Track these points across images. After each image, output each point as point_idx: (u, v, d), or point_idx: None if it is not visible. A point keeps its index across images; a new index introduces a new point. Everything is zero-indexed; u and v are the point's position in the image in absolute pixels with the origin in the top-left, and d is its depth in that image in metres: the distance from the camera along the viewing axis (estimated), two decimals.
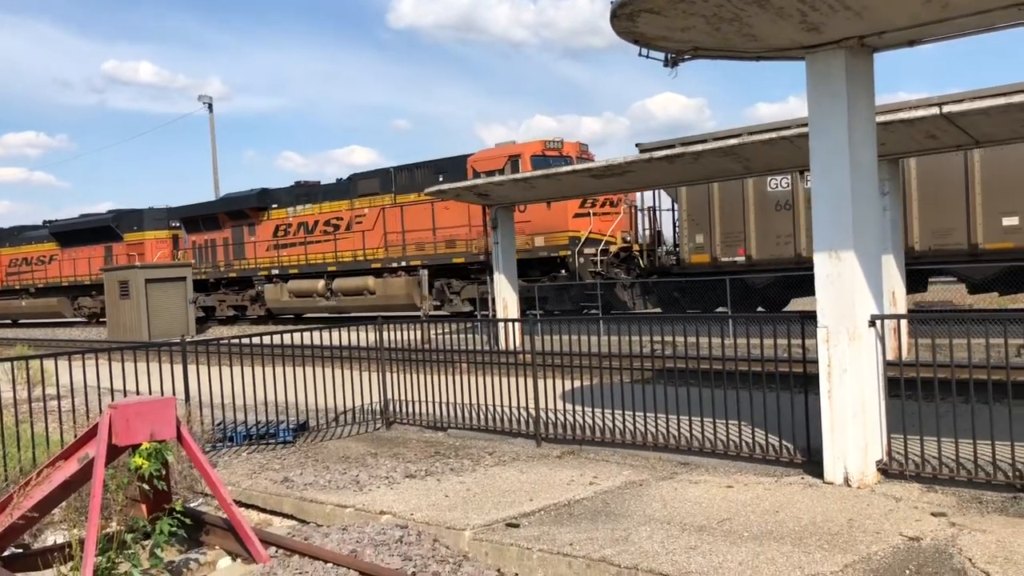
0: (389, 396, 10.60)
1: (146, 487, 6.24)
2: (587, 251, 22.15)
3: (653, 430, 8.28)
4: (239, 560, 6.31)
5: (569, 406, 9.16)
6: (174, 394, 8.76)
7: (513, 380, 9.31)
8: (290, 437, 9.83)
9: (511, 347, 15.37)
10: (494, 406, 9.56)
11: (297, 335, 10.89)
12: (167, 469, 6.45)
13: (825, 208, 6.92)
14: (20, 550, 6.73)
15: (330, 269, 27.55)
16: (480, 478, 7.73)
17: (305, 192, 29.84)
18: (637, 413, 8.47)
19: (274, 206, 30.30)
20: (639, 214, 22.86)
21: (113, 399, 8.01)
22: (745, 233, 19.44)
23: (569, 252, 22.19)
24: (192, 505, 7.62)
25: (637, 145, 20.64)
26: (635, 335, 9.17)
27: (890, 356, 8.83)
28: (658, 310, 21.62)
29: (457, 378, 9.94)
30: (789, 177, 18.62)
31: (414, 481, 7.76)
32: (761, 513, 6.21)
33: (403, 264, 25.50)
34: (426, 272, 23.66)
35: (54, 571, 5.99)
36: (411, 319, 20.74)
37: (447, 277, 24.89)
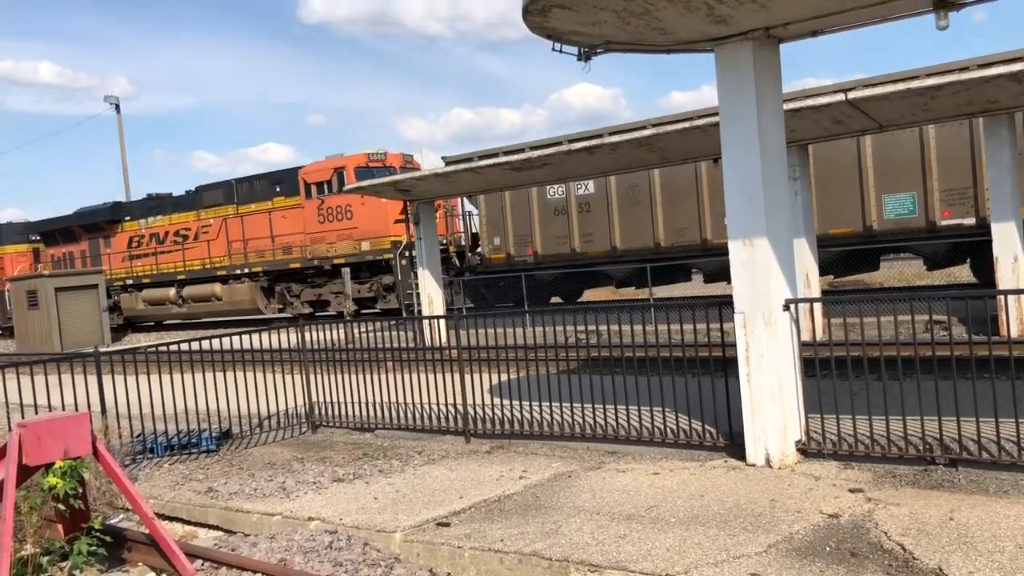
0: (314, 399, 10.45)
1: (62, 507, 6.04)
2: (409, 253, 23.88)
3: (580, 421, 8.36)
4: (165, 575, 6.16)
5: (498, 400, 9.19)
6: (89, 407, 8.47)
7: (440, 376, 9.28)
8: (213, 446, 9.61)
9: (438, 343, 15.33)
10: (422, 404, 9.52)
11: (218, 340, 10.65)
12: (83, 487, 6.24)
13: (737, 195, 7.07)
14: None
15: (180, 278, 29.13)
16: (409, 478, 7.69)
17: (156, 204, 30.97)
18: (565, 404, 8.54)
19: (127, 218, 31.60)
20: (457, 219, 25.16)
21: (23, 416, 7.71)
22: (532, 234, 22.27)
23: (392, 255, 23.86)
24: (112, 521, 7.39)
25: (443, 158, 22.48)
26: (559, 325, 9.24)
27: (805, 337, 9.10)
28: (471, 305, 23.37)
29: (383, 377, 9.86)
30: (564, 187, 21.29)
31: (342, 485, 7.67)
32: (687, 498, 6.33)
33: (246, 271, 27.41)
34: (348, 271, 23.54)
35: None
36: (330, 319, 20.68)
37: (287, 282, 26.75)
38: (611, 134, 14.88)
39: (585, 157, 14.42)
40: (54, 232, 34.47)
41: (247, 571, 5.73)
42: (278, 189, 26.45)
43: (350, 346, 12.20)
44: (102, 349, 10.78)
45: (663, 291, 22.84)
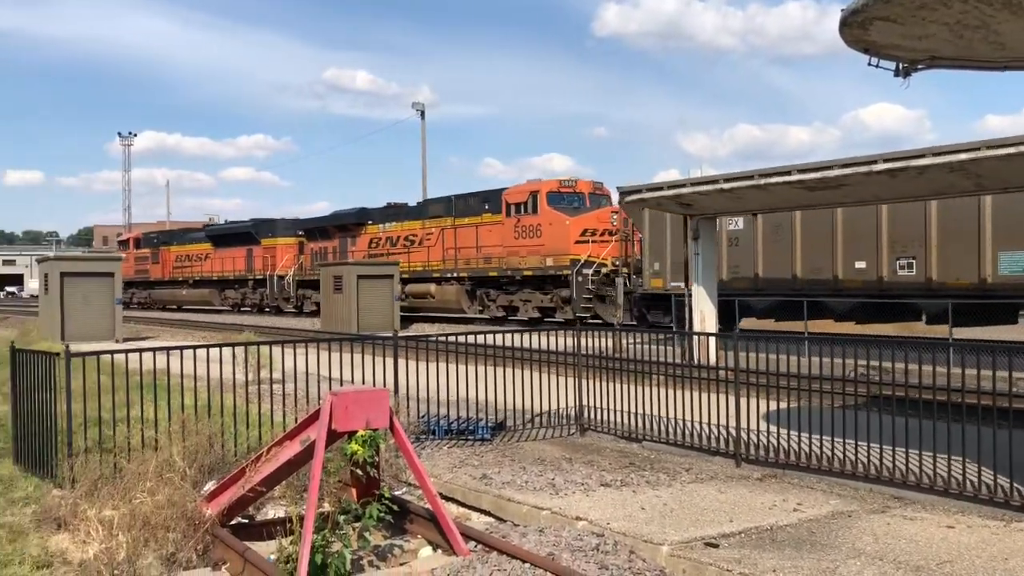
0: (584, 402, 10.65)
1: (359, 472, 6.59)
2: (585, 271, 26.66)
3: (864, 459, 7.83)
4: (439, 551, 6.55)
5: (772, 427, 8.84)
6: (384, 385, 9.24)
7: (711, 396, 9.10)
8: (488, 435, 10.09)
9: (707, 361, 15.03)
10: (691, 422, 9.39)
11: (498, 336, 11.17)
12: (378, 457, 6.79)
13: None
14: (246, 520, 7.30)
15: (404, 276, 32.75)
16: (677, 493, 7.61)
17: (393, 212, 36.09)
18: (847, 440, 8.04)
19: (369, 222, 36.71)
20: (630, 243, 26.34)
21: (331, 387, 8.55)
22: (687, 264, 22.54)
23: (570, 272, 26.89)
24: (396, 493, 7.98)
25: (617, 188, 22.77)
26: (838, 357, 8.73)
27: None
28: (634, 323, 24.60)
29: (653, 390, 9.84)
30: (719, 221, 20.56)
31: (609, 490, 7.75)
32: (988, 559, 5.72)
33: (455, 275, 31.31)
34: (621, 280, 24.02)
35: (276, 543, 6.45)
36: (600, 327, 21.10)
37: (486, 287, 30.37)
38: (917, 157, 13.82)
39: (886, 180, 13.50)
40: (314, 230, 40.45)
41: (516, 559, 5.94)
42: (486, 206, 30.18)
43: (619, 355, 12.31)
44: (388, 335, 11.67)
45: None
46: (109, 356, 8.30)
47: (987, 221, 17.32)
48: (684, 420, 9.45)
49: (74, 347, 8.36)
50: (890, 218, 19.01)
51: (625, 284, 25.56)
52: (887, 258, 19.18)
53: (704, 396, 9.23)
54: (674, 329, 20.72)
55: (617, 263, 26.32)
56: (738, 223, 21.94)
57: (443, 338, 10.71)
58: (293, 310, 40.70)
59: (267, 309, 42.82)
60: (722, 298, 20.44)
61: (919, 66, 7.11)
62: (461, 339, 10.91)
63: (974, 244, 17.51)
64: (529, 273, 28.66)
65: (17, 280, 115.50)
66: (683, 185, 17.06)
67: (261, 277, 43.40)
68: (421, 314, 32.85)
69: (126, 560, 6.27)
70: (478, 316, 30.61)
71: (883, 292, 19.21)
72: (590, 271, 26.64)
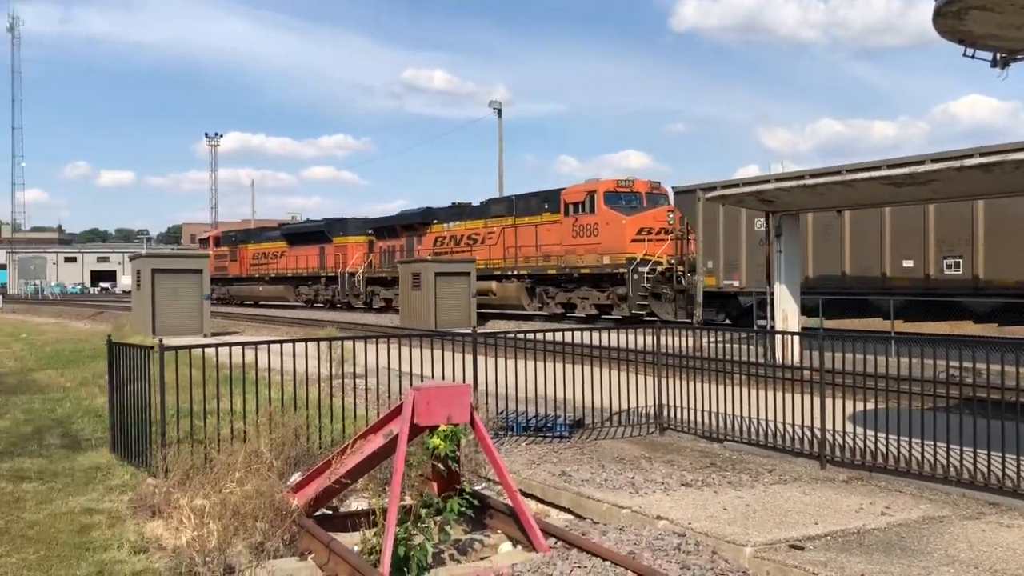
0: (663, 401, 10.56)
1: (440, 467, 6.67)
2: (641, 269, 27.16)
3: (956, 463, 7.57)
4: (519, 547, 6.58)
5: (858, 429, 8.62)
6: (464, 381, 9.32)
7: (794, 396, 8.92)
8: (566, 432, 10.09)
9: (789, 360, 14.72)
10: (774, 422, 9.22)
11: (576, 334, 11.16)
12: (459, 451, 6.85)
13: None
14: (330, 512, 7.46)
15: None
16: (760, 495, 7.49)
17: (456, 212, 37.20)
18: (938, 443, 7.79)
19: (435, 222, 37.89)
20: (684, 242, 26.34)
21: (411, 382, 8.67)
22: (739, 262, 22.99)
23: (626, 270, 27.39)
24: (475, 489, 8.04)
25: (672, 188, 25.40)
26: (928, 359, 8.45)
27: None
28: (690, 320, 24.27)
29: (733, 389, 9.69)
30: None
31: (690, 490, 7.67)
32: None
33: (515, 273, 32.47)
34: (700, 280, 23.70)
35: (360, 534, 6.59)
36: (680, 325, 20.86)
37: (545, 285, 31.26)
38: (1015, 151, 13.30)
39: (979, 175, 12.99)
40: (382, 229, 42.33)
41: (597, 557, 5.93)
42: (545, 206, 31.06)
43: (699, 354, 12.15)
44: (467, 331, 11.76)
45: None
46: (200, 350, 8.57)
47: None
48: (766, 420, 9.28)
49: (165, 341, 8.66)
50: (937, 216, 18.87)
51: (679, 281, 26.02)
52: (934, 256, 19.05)
53: (787, 396, 9.05)
54: (755, 328, 20.45)
55: (673, 261, 26.70)
56: None
57: (521, 335, 10.74)
58: (363, 306, 42.13)
59: (338, 305, 44.40)
60: (759, 296, 20.71)
61: (1018, 56, 6.85)
62: (539, 336, 10.93)
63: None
64: (586, 271, 29.28)
65: (110, 276, 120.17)
66: (765, 181, 16.77)
67: (333, 274, 45.09)
68: (483, 311, 33.46)
69: (217, 548, 6.46)
70: (537, 313, 31.54)
71: (929, 290, 19.17)
72: (646, 269, 27.15)
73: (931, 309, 19.53)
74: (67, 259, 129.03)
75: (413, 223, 39.43)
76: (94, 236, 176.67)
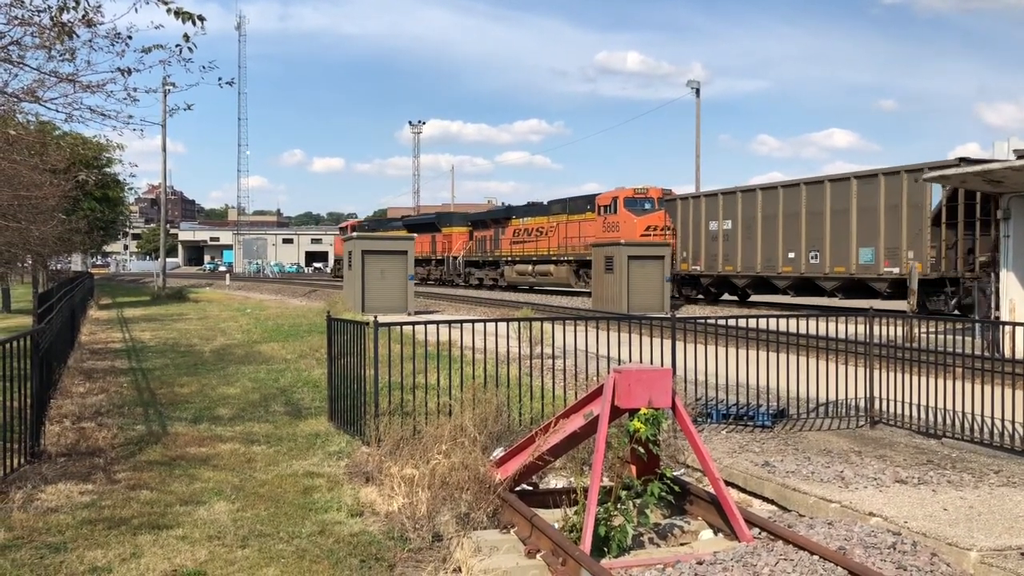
0: (875, 393, 10.01)
1: (640, 450, 6.66)
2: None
3: None
4: (721, 535, 6.48)
5: None
6: (660, 365, 9.25)
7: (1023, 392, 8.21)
8: (768, 422, 9.79)
9: (1017, 354, 13.53)
10: (1001, 420, 8.52)
11: (782, 321, 10.78)
12: (659, 435, 6.81)
13: None
14: (530, 488, 7.65)
15: (532, 258, 44.51)
16: (984, 496, 6.96)
17: (530, 209, 46.72)
18: None
19: (514, 217, 47.40)
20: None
21: (608, 365, 8.70)
22: (700, 253, 32.50)
23: None
24: (675, 474, 7.98)
25: (664, 192, 36.84)
26: None
27: None
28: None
29: (953, 383, 9.04)
30: (716, 221, 31.30)
31: (905, 487, 7.24)
32: None
33: (565, 259, 41.20)
34: (917, 267, 22.22)
35: (561, 511, 6.71)
36: (894, 314, 19.66)
37: (586, 268, 38.04)
38: None
39: None
40: (478, 221, 51.99)
41: (804, 550, 5.73)
42: (588, 207, 39.78)
43: (913, 344, 11.41)
44: (662, 315, 11.63)
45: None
46: (411, 327, 9.00)
47: None
48: (992, 418, 8.60)
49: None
50: None
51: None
52: None
53: (1017, 392, 8.33)
54: (976, 318, 18.96)
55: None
56: None
57: (722, 321, 10.50)
58: (463, 283, 51.79)
59: (445, 282, 54.18)
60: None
61: None
62: (741, 323, 10.65)
63: None
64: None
65: (323, 257, 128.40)
66: (994, 161, 15.45)
67: (441, 258, 55.52)
68: (542, 289, 44.32)
69: (426, 516, 6.80)
70: (582, 290, 39.99)
71: None
72: None
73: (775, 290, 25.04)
74: (285, 240, 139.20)
75: (499, 218, 49.24)
76: (308, 219, 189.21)
